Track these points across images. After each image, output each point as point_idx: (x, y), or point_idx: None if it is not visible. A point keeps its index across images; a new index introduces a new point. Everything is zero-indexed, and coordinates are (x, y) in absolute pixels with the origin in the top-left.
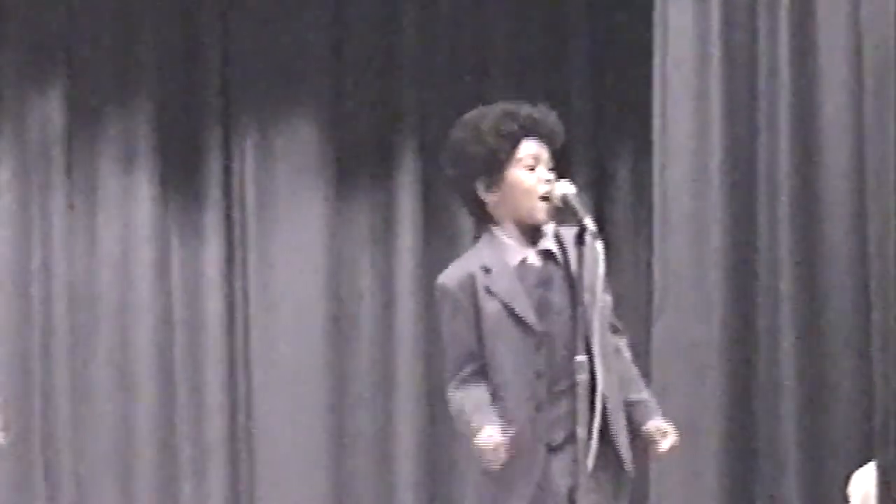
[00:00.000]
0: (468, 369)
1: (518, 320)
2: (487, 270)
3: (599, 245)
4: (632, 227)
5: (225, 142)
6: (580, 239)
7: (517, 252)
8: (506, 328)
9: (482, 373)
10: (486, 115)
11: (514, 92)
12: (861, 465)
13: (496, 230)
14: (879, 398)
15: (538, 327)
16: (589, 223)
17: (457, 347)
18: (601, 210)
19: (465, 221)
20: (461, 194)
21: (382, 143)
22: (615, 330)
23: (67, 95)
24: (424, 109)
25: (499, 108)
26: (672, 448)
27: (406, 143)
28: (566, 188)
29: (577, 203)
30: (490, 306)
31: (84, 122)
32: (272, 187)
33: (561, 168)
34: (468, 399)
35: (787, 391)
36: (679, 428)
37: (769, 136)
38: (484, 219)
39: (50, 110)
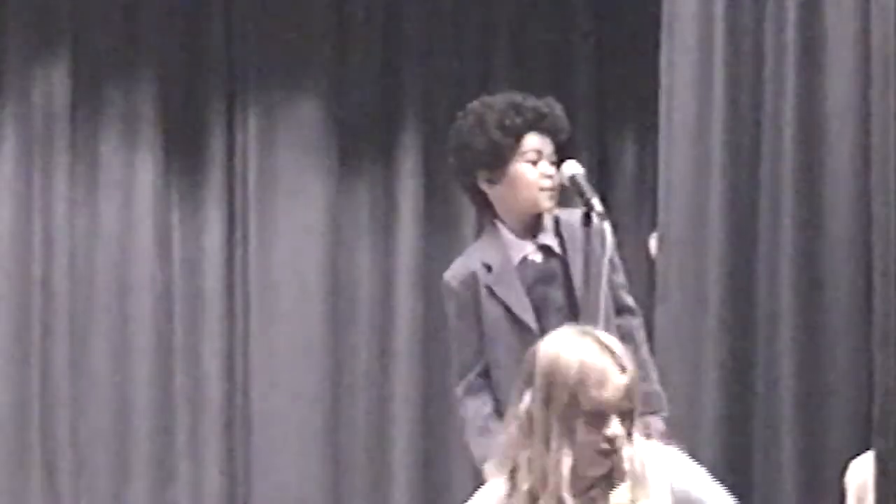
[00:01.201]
0: (475, 371)
1: (517, 321)
2: (489, 268)
3: (607, 226)
4: (634, 212)
5: (228, 120)
6: (587, 220)
7: (519, 248)
8: (505, 329)
9: (487, 374)
10: (492, 107)
11: (519, 75)
12: (858, 455)
13: (498, 223)
14: (879, 385)
15: (537, 329)
16: (596, 204)
17: (463, 346)
18: (603, 195)
19: (467, 204)
20: (463, 184)
21: (385, 123)
22: (629, 310)
23: (71, 72)
24: (428, 90)
25: (505, 99)
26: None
27: (408, 125)
28: (574, 168)
29: (584, 184)
30: (491, 306)
31: (87, 99)
32: (274, 166)
33: (564, 154)
34: (475, 417)
35: (786, 380)
36: (675, 415)
37: (773, 124)
38: (485, 209)
39: (53, 87)
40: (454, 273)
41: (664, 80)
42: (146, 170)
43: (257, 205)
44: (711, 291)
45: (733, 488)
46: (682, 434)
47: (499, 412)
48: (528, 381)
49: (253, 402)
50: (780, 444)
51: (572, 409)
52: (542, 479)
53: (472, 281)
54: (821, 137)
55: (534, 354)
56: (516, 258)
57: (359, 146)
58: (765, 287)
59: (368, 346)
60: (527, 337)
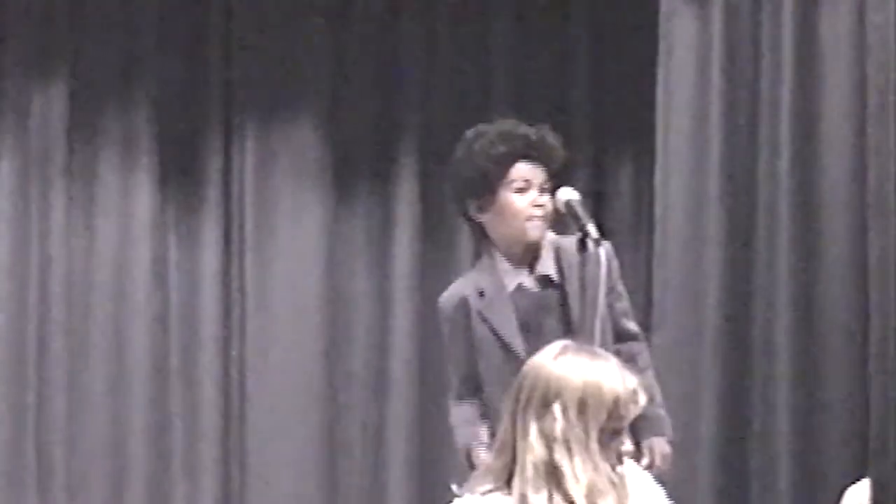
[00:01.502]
0: (464, 385)
1: (504, 345)
2: (482, 294)
3: (602, 252)
4: (631, 240)
5: (225, 143)
6: (583, 246)
7: (513, 276)
8: (493, 351)
9: (477, 388)
10: (483, 135)
11: (516, 99)
12: (855, 480)
13: (494, 252)
14: (875, 411)
15: (524, 354)
16: (591, 230)
17: (455, 366)
18: (600, 220)
19: (463, 228)
20: (459, 212)
21: (381, 148)
22: (633, 336)
23: (69, 92)
24: (424, 116)
25: (497, 127)
26: (658, 468)
27: (405, 149)
28: (569, 194)
29: (580, 209)
30: (481, 330)
31: (85, 120)
32: (271, 189)
33: (561, 181)
34: (459, 416)
35: (782, 407)
36: (672, 440)
37: (770, 148)
38: (482, 237)
39: (51, 107)
40: (447, 297)
41: (661, 105)
42: (143, 192)
43: (254, 227)
44: (708, 317)
45: None
46: (679, 459)
47: (487, 423)
48: (551, 399)
49: (249, 422)
50: (777, 469)
51: (606, 426)
52: (591, 489)
53: (462, 305)
54: (817, 160)
55: (547, 374)
56: (511, 285)
57: (356, 169)
58: (761, 312)
59: (365, 367)
60: (514, 361)
